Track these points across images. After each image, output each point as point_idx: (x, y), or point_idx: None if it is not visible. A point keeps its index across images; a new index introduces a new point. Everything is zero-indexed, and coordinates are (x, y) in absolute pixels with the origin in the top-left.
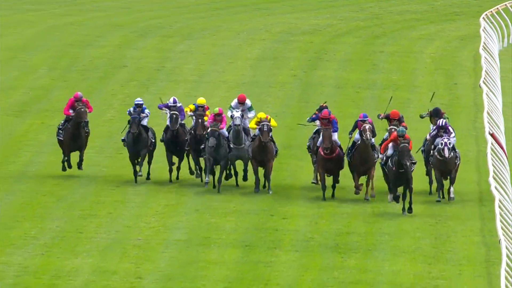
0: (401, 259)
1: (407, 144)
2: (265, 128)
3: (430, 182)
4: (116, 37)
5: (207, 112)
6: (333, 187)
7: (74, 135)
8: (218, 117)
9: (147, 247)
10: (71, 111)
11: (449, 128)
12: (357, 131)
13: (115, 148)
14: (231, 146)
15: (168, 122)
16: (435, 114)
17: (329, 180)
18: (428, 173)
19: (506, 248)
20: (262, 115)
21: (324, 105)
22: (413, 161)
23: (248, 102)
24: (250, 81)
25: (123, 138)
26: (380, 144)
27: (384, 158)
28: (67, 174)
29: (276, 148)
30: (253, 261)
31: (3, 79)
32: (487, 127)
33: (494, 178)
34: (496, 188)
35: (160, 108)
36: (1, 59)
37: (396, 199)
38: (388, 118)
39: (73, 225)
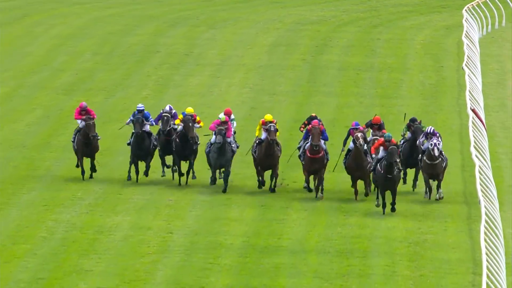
0: (395, 217)
1: (395, 146)
2: (272, 129)
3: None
4: (151, 26)
5: (201, 124)
6: (316, 189)
7: (85, 143)
8: (224, 125)
9: (177, 206)
10: (79, 121)
11: (437, 134)
12: (350, 139)
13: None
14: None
15: (160, 125)
16: (412, 122)
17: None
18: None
19: (485, 207)
20: (269, 117)
21: (313, 115)
22: (400, 168)
23: (232, 115)
24: (266, 64)
25: (128, 142)
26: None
27: (374, 163)
28: (107, 146)
29: (280, 151)
30: (268, 218)
31: (54, 63)
32: (469, 103)
33: (475, 147)
34: (476, 156)
35: (156, 123)
36: (52, 46)
37: (383, 205)
38: (371, 124)
39: (113, 187)
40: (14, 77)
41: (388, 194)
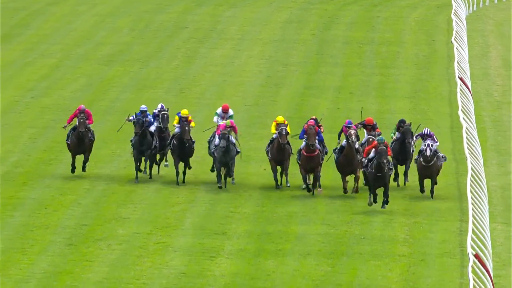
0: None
1: (385, 147)
2: (283, 132)
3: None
4: (180, 5)
5: (193, 124)
6: (313, 186)
7: (78, 141)
8: (229, 129)
9: (203, 163)
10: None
11: (433, 136)
12: (343, 137)
13: (179, 89)
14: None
15: (158, 123)
16: (401, 123)
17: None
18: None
19: (471, 163)
20: (280, 119)
21: (313, 117)
22: (390, 167)
23: (230, 111)
24: (280, 38)
25: (131, 139)
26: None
27: (365, 162)
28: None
29: (291, 149)
30: (282, 173)
31: (95, 37)
32: (457, 72)
33: (462, 111)
34: (463, 118)
35: (153, 122)
36: (94, 23)
37: (375, 201)
38: (364, 125)
39: None
40: (61, 49)
41: (380, 190)
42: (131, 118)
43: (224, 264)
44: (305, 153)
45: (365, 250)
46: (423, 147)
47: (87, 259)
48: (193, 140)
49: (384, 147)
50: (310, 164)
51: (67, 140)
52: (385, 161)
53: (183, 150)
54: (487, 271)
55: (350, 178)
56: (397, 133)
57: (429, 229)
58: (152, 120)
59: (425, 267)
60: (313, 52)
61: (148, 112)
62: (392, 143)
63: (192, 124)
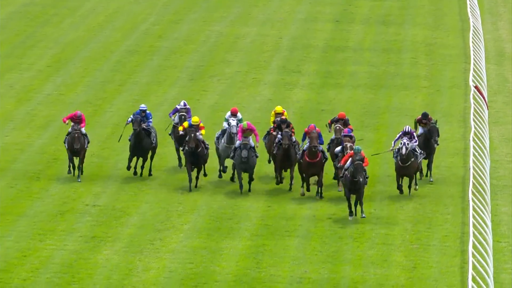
0: (417, 52)
1: (361, 162)
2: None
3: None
4: None
5: (202, 132)
6: (318, 190)
7: (73, 144)
8: (247, 131)
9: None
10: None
11: (413, 134)
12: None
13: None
14: (226, 146)
15: (177, 121)
16: (424, 117)
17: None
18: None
19: (473, 22)
20: (279, 109)
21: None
22: (366, 176)
23: (239, 114)
24: None
25: (129, 137)
26: (328, 144)
27: (343, 171)
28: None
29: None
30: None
31: None
32: None
33: (471, 11)
34: (469, 18)
35: (170, 116)
36: None
37: (350, 213)
38: (336, 120)
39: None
40: None
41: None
42: (129, 120)
43: (300, 93)
44: (307, 159)
45: (398, 83)
46: (399, 145)
47: (204, 89)
48: (207, 146)
49: (360, 162)
50: (312, 169)
51: (65, 146)
52: (361, 179)
53: (194, 156)
54: (483, 98)
55: None
56: (420, 128)
57: (442, 68)
58: (150, 121)
59: (439, 96)
60: None
61: (148, 111)
62: (418, 135)
63: (202, 132)
